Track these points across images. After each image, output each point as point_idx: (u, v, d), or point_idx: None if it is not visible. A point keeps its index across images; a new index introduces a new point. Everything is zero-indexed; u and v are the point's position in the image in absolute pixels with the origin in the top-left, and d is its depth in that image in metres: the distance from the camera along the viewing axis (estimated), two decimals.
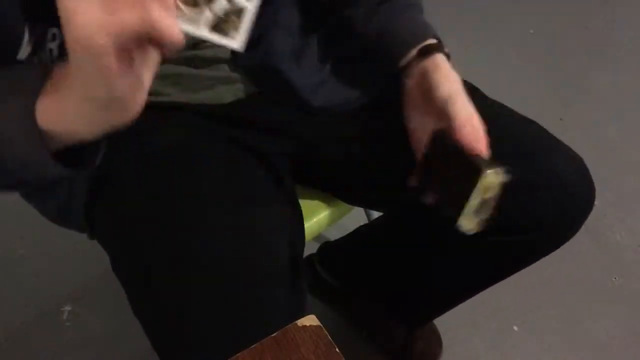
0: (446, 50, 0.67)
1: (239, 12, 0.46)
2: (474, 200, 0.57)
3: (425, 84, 0.65)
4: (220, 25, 0.46)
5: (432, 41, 0.68)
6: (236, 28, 0.46)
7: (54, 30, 0.53)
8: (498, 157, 0.72)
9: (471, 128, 0.61)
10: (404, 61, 0.68)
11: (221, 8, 0.45)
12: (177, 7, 0.43)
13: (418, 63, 0.67)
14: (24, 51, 0.52)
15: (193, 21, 0.44)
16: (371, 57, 0.73)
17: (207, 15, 0.44)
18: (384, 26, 0.70)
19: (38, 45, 0.53)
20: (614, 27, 2.01)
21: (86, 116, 0.46)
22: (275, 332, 0.46)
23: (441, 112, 0.63)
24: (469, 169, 0.58)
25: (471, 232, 0.59)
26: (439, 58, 0.66)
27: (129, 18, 0.38)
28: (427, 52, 0.66)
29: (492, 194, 0.58)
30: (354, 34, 0.73)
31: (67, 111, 0.46)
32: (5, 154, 0.48)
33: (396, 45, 0.69)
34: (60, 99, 0.46)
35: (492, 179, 0.57)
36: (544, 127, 0.76)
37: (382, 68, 0.72)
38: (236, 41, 0.45)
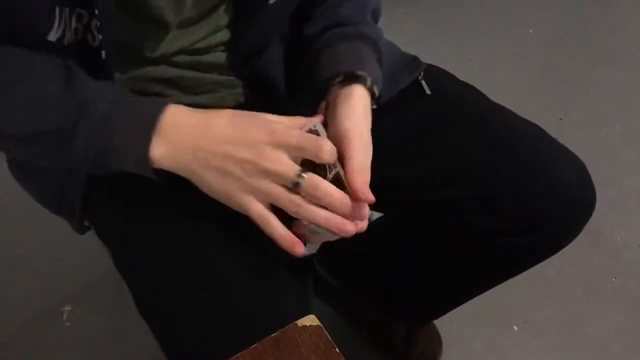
0: (373, 86, 0.64)
1: None
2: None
3: (331, 112, 0.62)
4: None
5: (361, 73, 0.63)
6: None
7: (80, 11, 0.54)
8: (498, 161, 0.73)
9: (361, 174, 0.57)
10: (326, 84, 0.65)
11: None
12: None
13: (335, 89, 0.63)
14: (55, 33, 0.53)
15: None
16: (308, 76, 0.70)
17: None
18: (323, 48, 0.67)
19: (66, 25, 0.54)
20: (614, 27, 2.00)
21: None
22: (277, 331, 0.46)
23: (339, 145, 0.58)
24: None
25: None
26: (356, 89, 0.62)
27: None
28: (349, 81, 0.63)
29: None
30: (303, 51, 0.71)
31: (180, 169, 0.55)
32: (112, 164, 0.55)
33: (322, 67, 0.66)
34: (176, 163, 0.54)
35: None
36: (544, 127, 0.76)
37: (310, 89, 0.68)
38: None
